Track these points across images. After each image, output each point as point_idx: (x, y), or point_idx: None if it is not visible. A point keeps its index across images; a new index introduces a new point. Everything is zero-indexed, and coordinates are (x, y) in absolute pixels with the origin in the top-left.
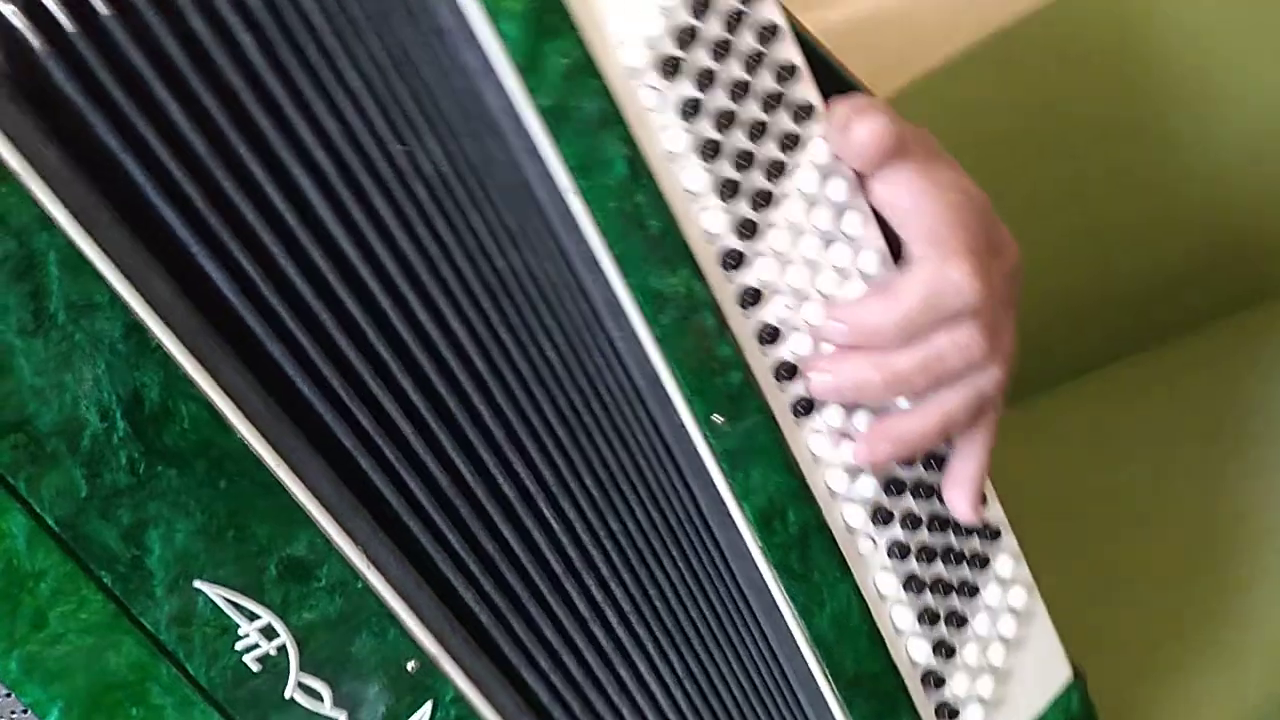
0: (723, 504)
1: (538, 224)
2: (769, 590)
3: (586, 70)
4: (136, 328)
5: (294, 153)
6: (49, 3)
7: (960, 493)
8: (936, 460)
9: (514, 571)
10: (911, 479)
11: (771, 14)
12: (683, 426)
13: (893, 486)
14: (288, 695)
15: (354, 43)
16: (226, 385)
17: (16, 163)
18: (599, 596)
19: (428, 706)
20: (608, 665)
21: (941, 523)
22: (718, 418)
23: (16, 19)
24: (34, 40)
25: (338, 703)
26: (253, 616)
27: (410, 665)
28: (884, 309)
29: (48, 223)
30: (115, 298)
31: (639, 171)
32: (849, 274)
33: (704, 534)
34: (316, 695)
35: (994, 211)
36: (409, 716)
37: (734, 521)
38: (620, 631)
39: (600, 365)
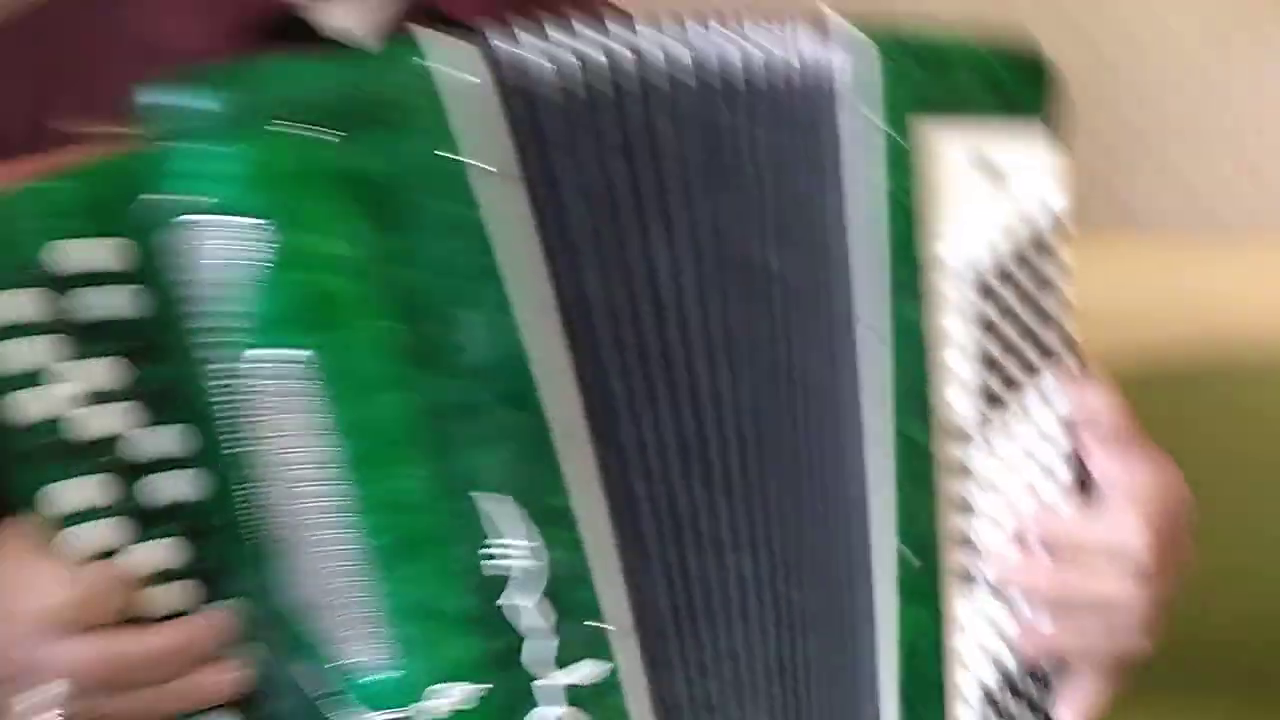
0: (875, 622)
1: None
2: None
3: (909, 215)
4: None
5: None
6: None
7: (1069, 713)
8: (1047, 682)
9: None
10: (1025, 688)
11: (1060, 280)
12: (876, 550)
13: (1009, 684)
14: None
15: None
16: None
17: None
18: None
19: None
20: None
21: None
22: (914, 560)
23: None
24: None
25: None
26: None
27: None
28: (1079, 528)
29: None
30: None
31: (928, 339)
32: (1046, 484)
33: (851, 631)
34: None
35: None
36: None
37: (877, 634)
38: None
39: (830, 478)
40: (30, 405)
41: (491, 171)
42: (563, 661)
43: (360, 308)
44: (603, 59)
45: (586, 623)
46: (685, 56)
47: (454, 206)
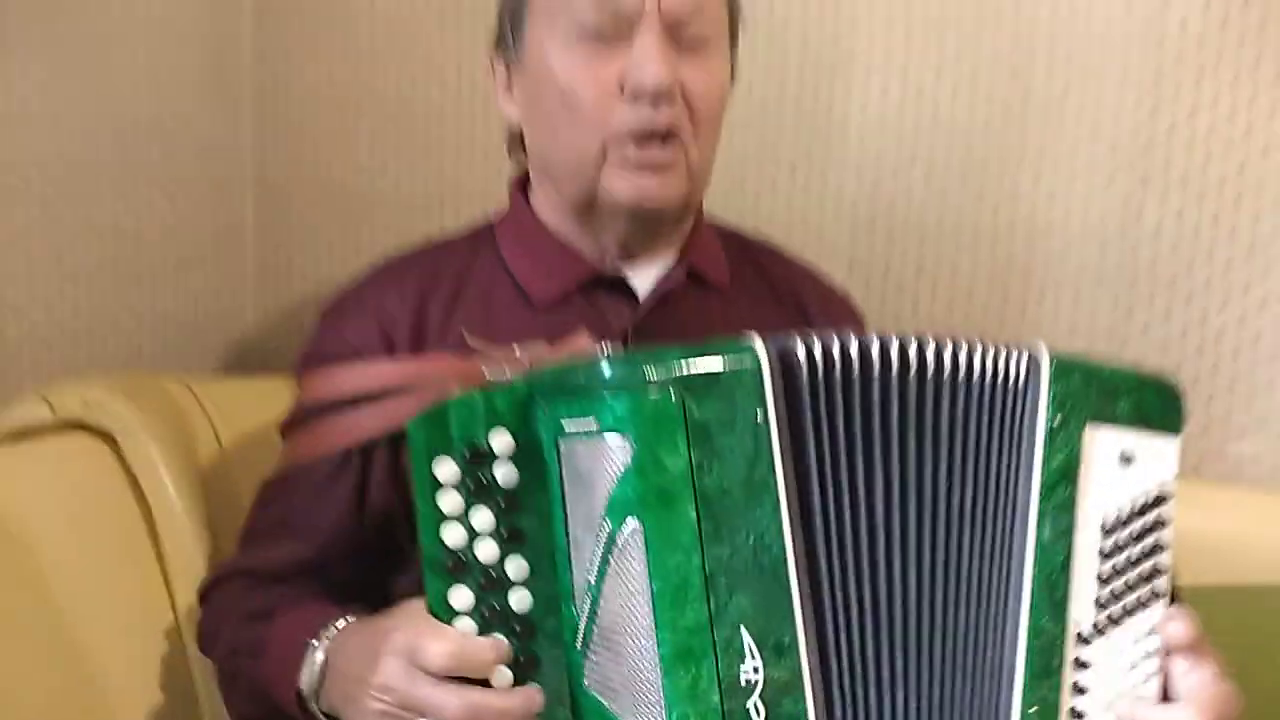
0: None
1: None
2: None
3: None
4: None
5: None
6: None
7: None
8: None
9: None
10: None
11: (1164, 531)
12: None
13: None
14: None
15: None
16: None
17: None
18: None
19: None
20: None
21: None
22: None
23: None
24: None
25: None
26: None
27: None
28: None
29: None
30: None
31: (1069, 564)
32: (1140, 688)
33: None
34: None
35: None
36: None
37: None
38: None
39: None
40: (449, 534)
41: (764, 420)
42: None
43: (679, 498)
44: (852, 349)
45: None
46: (906, 350)
47: (746, 442)
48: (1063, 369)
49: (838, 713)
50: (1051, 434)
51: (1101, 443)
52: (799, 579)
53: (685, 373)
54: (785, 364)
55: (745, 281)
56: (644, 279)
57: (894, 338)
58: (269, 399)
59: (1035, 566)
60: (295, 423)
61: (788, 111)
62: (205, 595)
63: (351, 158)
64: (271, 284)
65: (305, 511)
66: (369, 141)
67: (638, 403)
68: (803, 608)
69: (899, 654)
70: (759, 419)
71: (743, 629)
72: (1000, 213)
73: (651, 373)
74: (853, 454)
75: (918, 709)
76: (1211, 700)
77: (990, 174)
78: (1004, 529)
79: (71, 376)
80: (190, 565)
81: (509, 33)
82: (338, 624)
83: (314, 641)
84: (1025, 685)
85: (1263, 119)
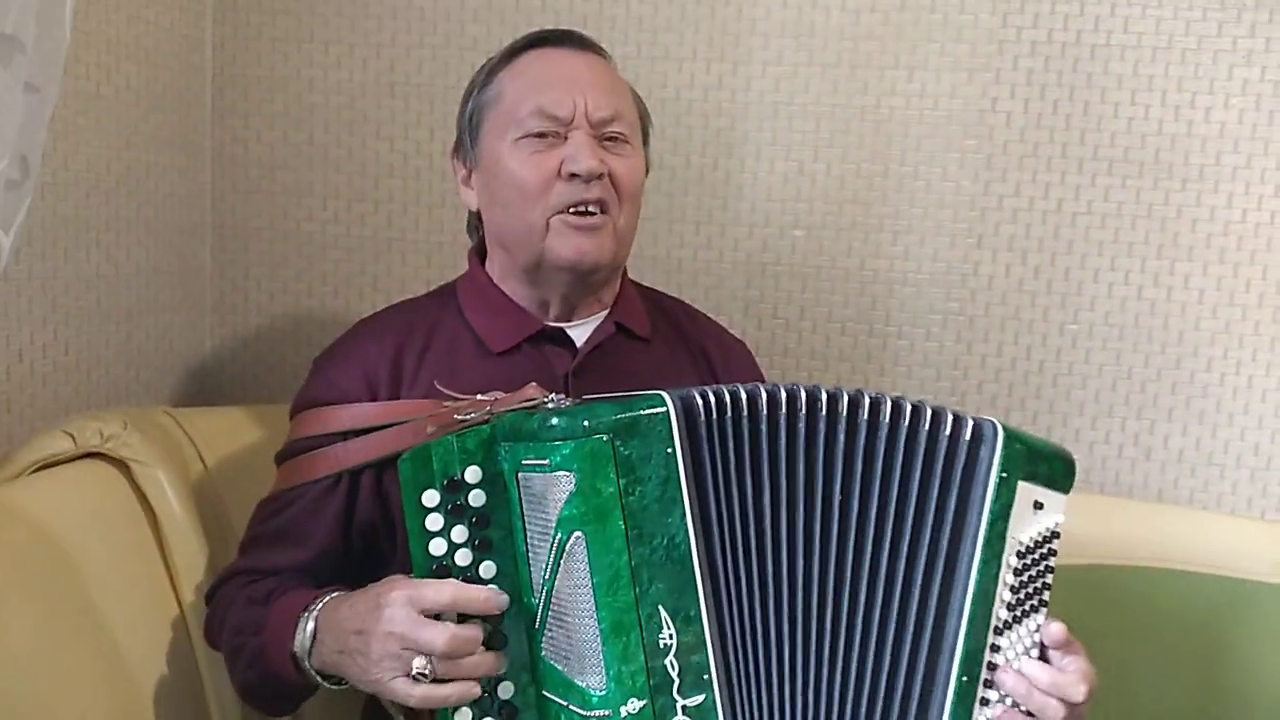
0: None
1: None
2: None
3: (1007, 521)
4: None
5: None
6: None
7: None
8: None
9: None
10: None
11: (1050, 559)
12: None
13: None
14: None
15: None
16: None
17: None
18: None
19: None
20: None
21: None
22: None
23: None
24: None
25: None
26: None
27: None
28: (1054, 680)
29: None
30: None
31: (999, 563)
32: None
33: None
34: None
35: None
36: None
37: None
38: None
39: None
40: (434, 546)
41: (672, 452)
42: (684, 692)
43: (611, 514)
44: (731, 397)
45: (702, 676)
46: (777, 396)
47: (659, 470)
48: (1010, 438)
49: (733, 664)
50: (999, 484)
51: (1024, 492)
52: (700, 567)
53: (612, 419)
54: (687, 409)
55: (661, 332)
56: (580, 332)
57: (780, 387)
58: (241, 426)
59: (977, 577)
60: (291, 454)
61: (692, 180)
62: (210, 595)
63: (305, 209)
64: (229, 321)
65: (301, 524)
66: (322, 194)
67: (579, 446)
68: (703, 589)
69: (785, 621)
70: (669, 451)
71: (660, 607)
72: (865, 265)
73: (588, 423)
74: (742, 473)
75: (812, 663)
76: (1090, 675)
77: (857, 234)
78: (950, 546)
79: (69, 411)
80: (192, 569)
81: (468, 141)
82: (325, 598)
83: (304, 612)
84: (961, 659)
85: (1070, 195)
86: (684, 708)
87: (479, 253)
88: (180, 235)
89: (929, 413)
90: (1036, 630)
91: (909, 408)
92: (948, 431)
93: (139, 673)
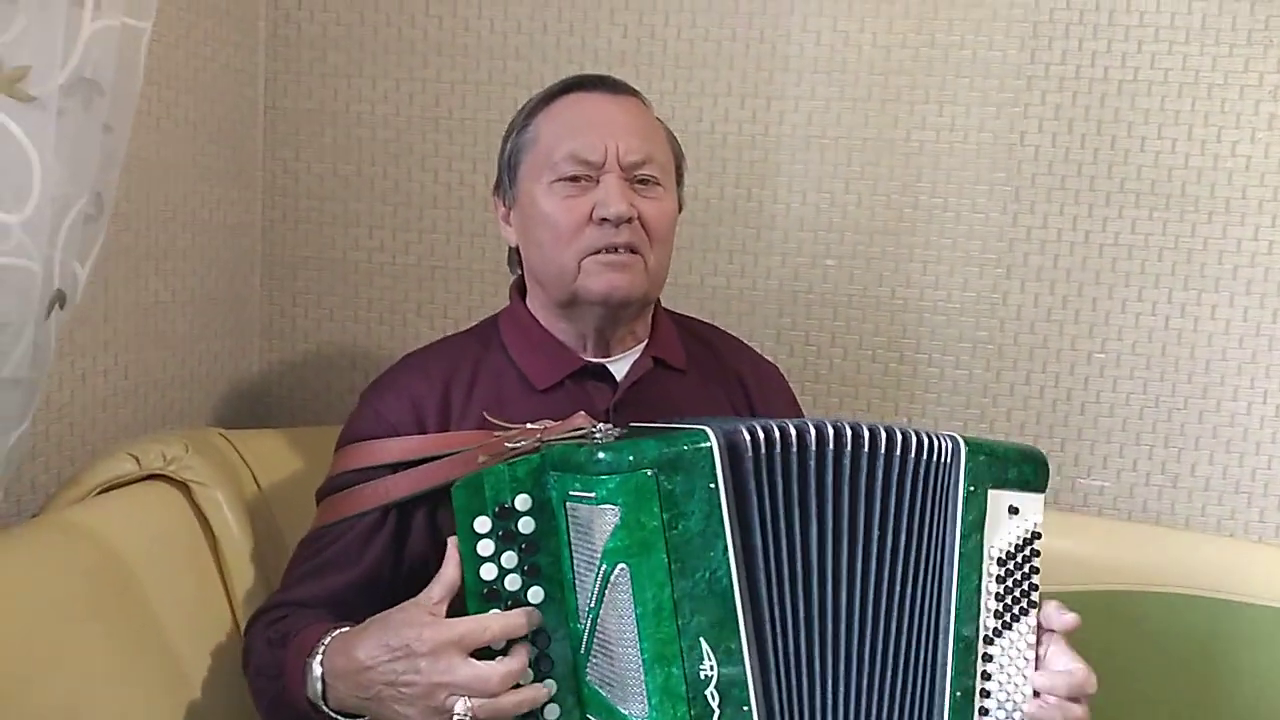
0: None
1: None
2: None
3: (982, 532)
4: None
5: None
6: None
7: None
8: None
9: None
10: None
11: (1036, 560)
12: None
13: None
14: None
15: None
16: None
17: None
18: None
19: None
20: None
21: None
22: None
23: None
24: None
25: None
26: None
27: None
28: (1046, 682)
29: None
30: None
31: (979, 574)
32: (1027, 666)
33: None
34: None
35: None
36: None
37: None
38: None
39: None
40: (485, 571)
41: (715, 487)
42: None
43: (654, 547)
44: (778, 432)
45: (742, 707)
46: (839, 431)
47: (702, 505)
48: (973, 450)
49: (774, 695)
50: (968, 498)
51: (997, 500)
52: (742, 602)
53: (656, 454)
54: (731, 444)
55: (697, 361)
56: (619, 367)
57: (826, 422)
58: (292, 447)
59: (958, 592)
60: (333, 488)
61: (726, 210)
62: (247, 627)
63: (352, 238)
64: (277, 346)
65: (343, 556)
66: (368, 224)
67: (624, 480)
68: (745, 623)
69: (829, 653)
70: (712, 486)
71: (702, 640)
72: (896, 294)
73: (633, 458)
74: (789, 508)
75: (851, 694)
76: (1086, 675)
77: (887, 263)
78: (933, 565)
79: (128, 432)
80: (248, 586)
81: (506, 181)
82: (326, 640)
83: (309, 658)
84: (953, 675)
85: (1097, 227)
86: None
87: (519, 288)
88: (231, 264)
89: (899, 437)
90: (1030, 631)
91: (884, 435)
92: (913, 454)
93: (197, 686)
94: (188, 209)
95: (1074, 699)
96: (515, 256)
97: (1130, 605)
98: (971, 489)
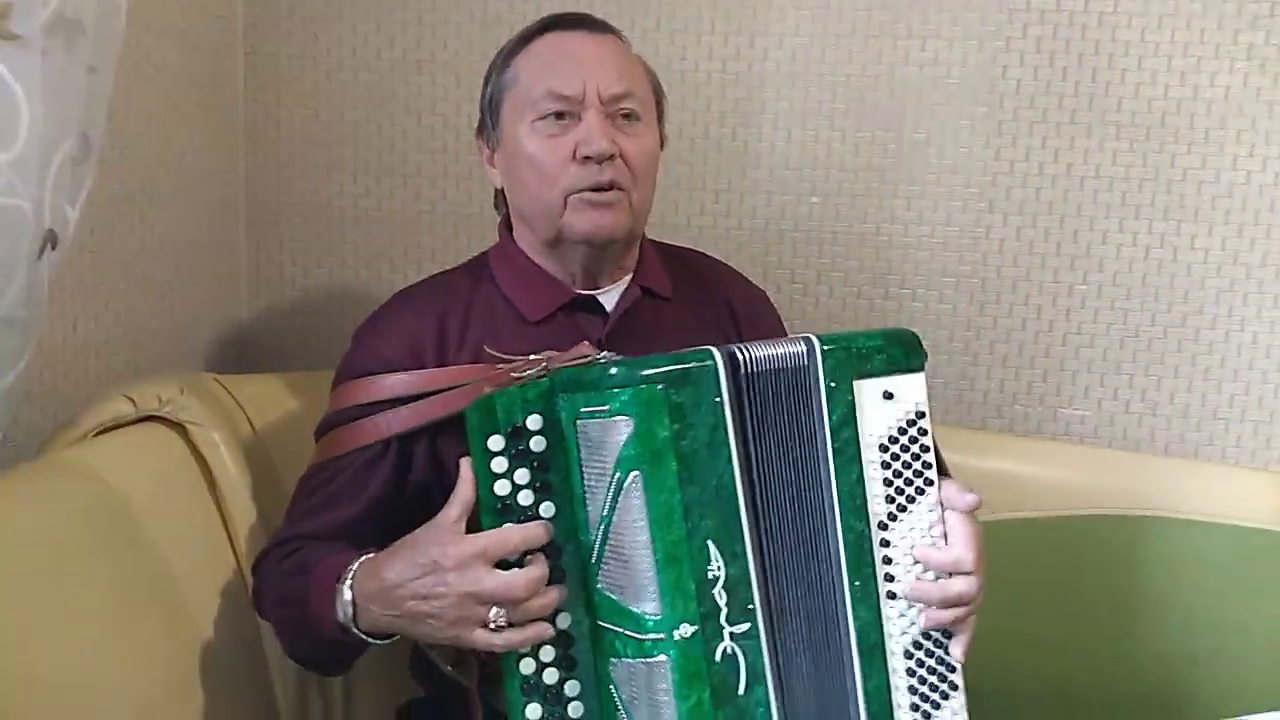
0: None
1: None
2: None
3: (854, 425)
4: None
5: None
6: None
7: (959, 650)
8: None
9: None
10: (928, 645)
11: (926, 440)
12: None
13: (918, 644)
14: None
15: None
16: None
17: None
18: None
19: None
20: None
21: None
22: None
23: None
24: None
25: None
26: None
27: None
28: (942, 557)
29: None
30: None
31: (861, 479)
32: (927, 542)
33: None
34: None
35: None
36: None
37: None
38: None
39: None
40: (499, 487)
41: (719, 401)
42: (731, 620)
43: (665, 455)
44: (772, 353)
45: (746, 606)
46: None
47: (710, 417)
48: (829, 348)
49: (771, 596)
50: (830, 393)
51: (868, 390)
52: (746, 507)
53: (666, 369)
54: (731, 362)
55: (683, 288)
56: (609, 298)
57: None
58: (285, 391)
59: (837, 484)
60: (334, 424)
61: (711, 149)
62: (255, 566)
63: (336, 183)
64: (263, 292)
65: (348, 489)
66: (352, 169)
67: (636, 393)
68: (748, 526)
69: (792, 553)
70: (717, 400)
71: (709, 542)
72: (880, 230)
73: (644, 372)
74: (773, 420)
75: (802, 588)
76: (970, 536)
77: (871, 200)
78: (815, 464)
79: (119, 378)
80: (247, 525)
81: (489, 123)
82: (355, 564)
83: (338, 584)
84: (848, 566)
85: (1079, 159)
86: (731, 634)
87: (507, 226)
88: (215, 210)
89: (759, 352)
90: (930, 510)
91: (749, 353)
92: (772, 366)
93: (199, 625)
94: (170, 155)
95: (954, 574)
96: (501, 198)
97: (1111, 530)
98: (833, 384)
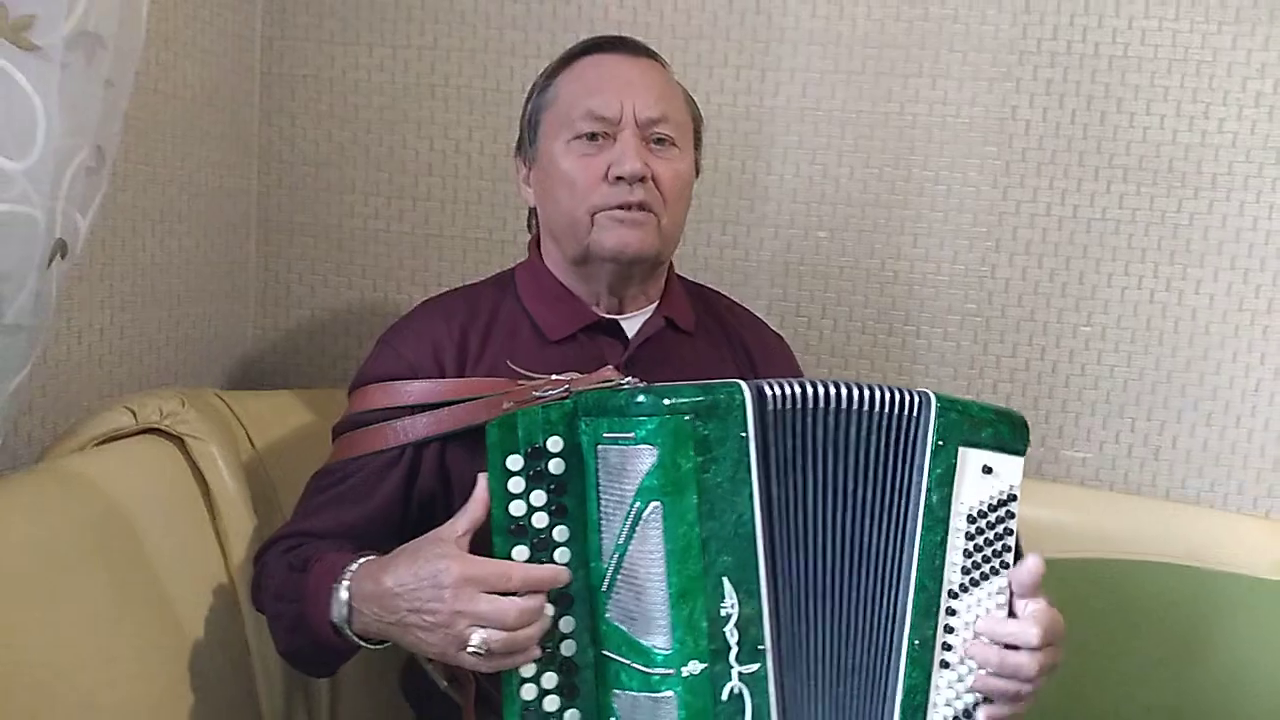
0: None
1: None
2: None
3: (950, 487)
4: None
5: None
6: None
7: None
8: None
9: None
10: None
11: (1011, 521)
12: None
13: (964, 712)
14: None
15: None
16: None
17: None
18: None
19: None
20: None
21: None
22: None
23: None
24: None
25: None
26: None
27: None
28: (1006, 629)
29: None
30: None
31: (944, 542)
32: (993, 619)
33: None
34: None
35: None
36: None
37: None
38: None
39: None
40: (514, 507)
41: (745, 436)
42: (741, 659)
43: (688, 488)
44: (798, 391)
45: (757, 646)
46: (839, 394)
47: (735, 451)
48: (944, 407)
49: (783, 639)
50: (935, 451)
51: (970, 459)
52: (764, 546)
53: (694, 400)
54: (759, 398)
55: (706, 326)
56: (631, 324)
57: (827, 382)
58: (286, 408)
59: (921, 543)
60: (352, 425)
61: (720, 182)
62: (258, 557)
63: (347, 205)
64: (271, 311)
65: (360, 490)
66: (363, 191)
67: (663, 422)
68: (764, 566)
69: (816, 599)
70: (743, 434)
71: (724, 579)
72: (886, 266)
73: (671, 402)
74: (800, 461)
75: (832, 636)
76: (1044, 617)
77: (879, 236)
78: (900, 517)
79: (123, 391)
80: (242, 539)
81: (527, 141)
82: (355, 565)
83: (335, 583)
84: (911, 624)
85: (1086, 201)
86: (739, 674)
87: (536, 242)
88: (227, 228)
89: (869, 393)
90: (999, 592)
91: (858, 392)
92: (880, 409)
93: (191, 634)
94: (184, 172)
95: (1015, 647)
96: (533, 216)
97: (1110, 574)
98: (940, 443)
